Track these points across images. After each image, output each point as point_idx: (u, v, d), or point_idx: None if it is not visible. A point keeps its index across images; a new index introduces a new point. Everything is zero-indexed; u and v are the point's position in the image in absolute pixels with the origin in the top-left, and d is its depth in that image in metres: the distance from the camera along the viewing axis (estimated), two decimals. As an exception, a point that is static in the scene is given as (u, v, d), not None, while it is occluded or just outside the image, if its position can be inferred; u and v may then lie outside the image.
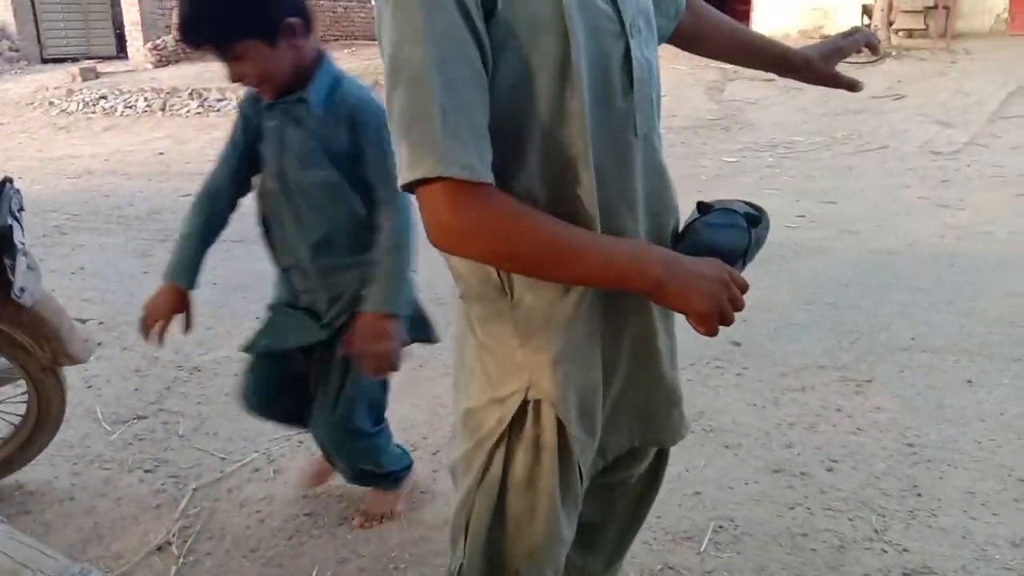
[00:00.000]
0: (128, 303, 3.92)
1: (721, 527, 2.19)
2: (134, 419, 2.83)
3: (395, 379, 2.47)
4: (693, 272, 1.01)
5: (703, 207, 1.18)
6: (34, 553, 1.06)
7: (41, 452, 2.41)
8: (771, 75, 1.54)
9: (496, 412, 1.15)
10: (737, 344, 3.29)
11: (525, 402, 1.13)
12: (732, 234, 1.11)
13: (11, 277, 2.02)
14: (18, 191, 2.12)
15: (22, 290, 2.04)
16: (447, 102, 0.91)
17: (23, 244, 2.08)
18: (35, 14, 16.59)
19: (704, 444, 2.59)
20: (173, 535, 2.18)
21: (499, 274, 1.10)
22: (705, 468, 2.46)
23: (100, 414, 2.86)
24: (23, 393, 2.31)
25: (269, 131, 1.85)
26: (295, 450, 2.64)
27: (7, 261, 2.01)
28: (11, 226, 2.00)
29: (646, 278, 1.00)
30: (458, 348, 1.23)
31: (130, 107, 11.38)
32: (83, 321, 3.41)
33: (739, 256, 1.10)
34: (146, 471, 2.51)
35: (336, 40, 17.04)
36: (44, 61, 16.40)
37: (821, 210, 5.66)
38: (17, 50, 16.26)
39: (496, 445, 1.16)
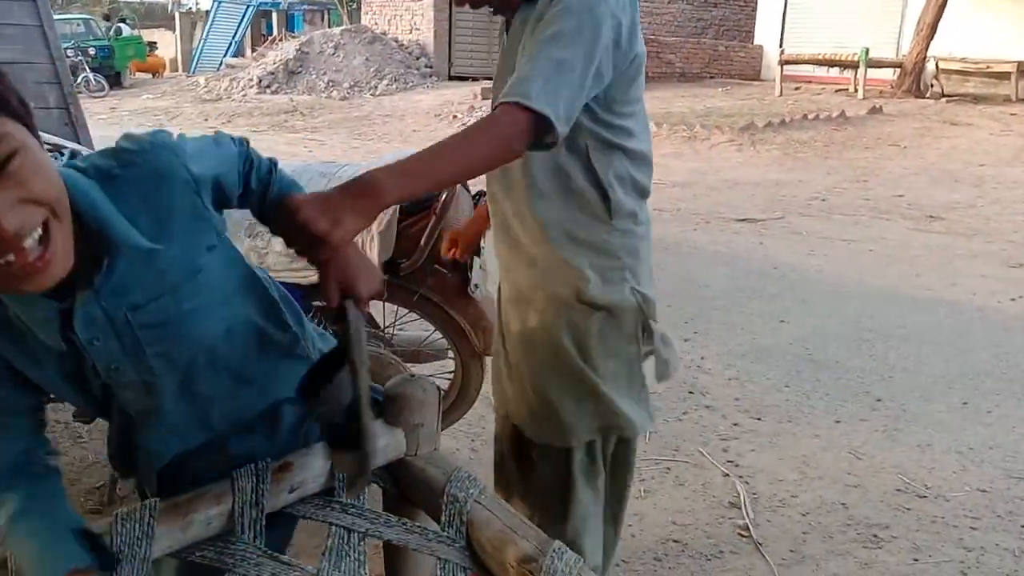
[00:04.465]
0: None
1: None
2: (522, 413, 3.13)
3: (763, 431, 2.48)
4: None
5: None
6: (516, 520, 1.25)
7: (451, 425, 2.77)
8: None
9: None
10: None
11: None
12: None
13: (469, 274, 2.37)
14: (486, 203, 2.46)
15: (475, 286, 2.38)
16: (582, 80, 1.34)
17: (483, 247, 2.42)
18: (450, 38, 18.88)
19: None
20: (555, 527, 2.39)
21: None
22: None
23: (494, 402, 3.20)
24: (450, 372, 2.68)
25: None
26: (663, 475, 2.76)
27: (471, 260, 2.35)
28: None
29: None
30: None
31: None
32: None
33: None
34: (532, 462, 2.77)
35: (712, 78, 17.23)
36: (451, 78, 18.57)
37: None
38: (431, 67, 18.58)
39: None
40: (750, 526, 2.48)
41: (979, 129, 11.12)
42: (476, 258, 2.40)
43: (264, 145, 10.76)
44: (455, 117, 13.64)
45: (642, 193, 1.64)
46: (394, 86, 16.91)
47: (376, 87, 16.81)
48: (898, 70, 13.76)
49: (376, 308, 2.64)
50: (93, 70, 18.07)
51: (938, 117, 11.75)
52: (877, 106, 12.02)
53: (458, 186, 2.22)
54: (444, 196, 2.18)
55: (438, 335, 2.59)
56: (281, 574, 1.14)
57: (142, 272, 1.04)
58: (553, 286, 1.65)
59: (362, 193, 1.13)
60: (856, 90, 13.42)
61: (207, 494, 1.18)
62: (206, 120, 12.78)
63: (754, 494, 2.66)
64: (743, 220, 6.80)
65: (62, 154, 2.18)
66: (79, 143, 3.50)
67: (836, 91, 14.05)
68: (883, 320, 4.40)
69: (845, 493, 2.69)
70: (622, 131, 1.56)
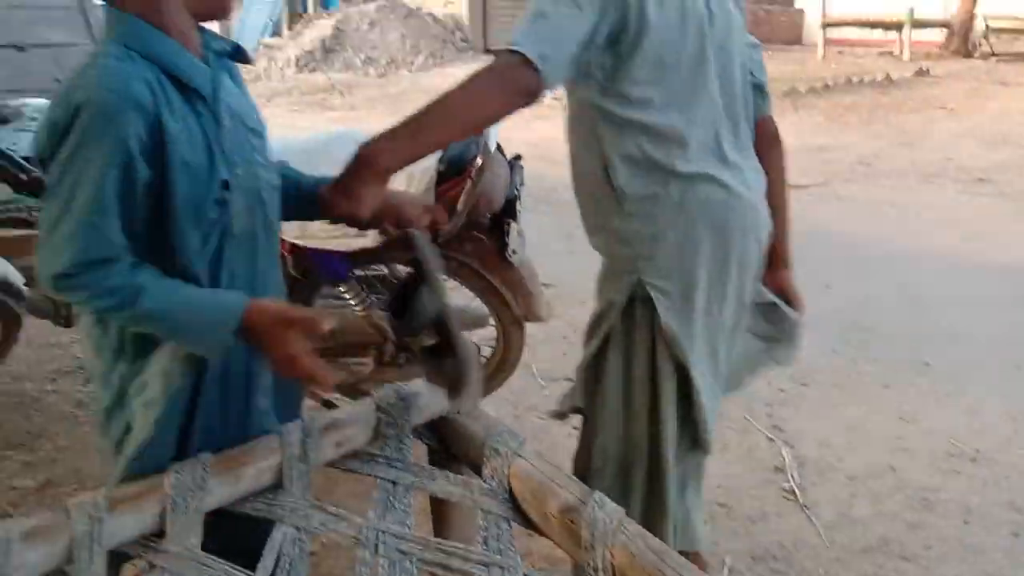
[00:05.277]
0: (555, 277, 4.33)
1: None
2: (564, 379, 3.14)
3: (809, 397, 2.45)
4: None
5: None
6: (557, 472, 1.25)
7: (492, 392, 2.78)
8: None
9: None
10: None
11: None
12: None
13: (507, 240, 2.37)
14: (522, 167, 2.46)
15: (513, 252, 2.38)
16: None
17: (519, 211, 2.41)
18: (484, 10, 18.73)
19: None
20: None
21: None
22: None
23: (535, 370, 3.23)
24: (492, 338, 2.69)
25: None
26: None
27: (507, 225, 2.35)
28: (516, 196, 2.34)
29: None
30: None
31: (556, 99, 12.38)
32: (546, 286, 3.82)
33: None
34: (574, 427, 2.77)
35: (753, 45, 16.85)
36: (487, 51, 18.44)
37: None
38: (466, 41, 18.48)
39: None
40: (796, 489, 2.47)
41: (1031, 89, 10.76)
42: (513, 223, 2.40)
43: (304, 124, 10.80)
44: (492, 91, 13.56)
45: (668, 172, 1.47)
46: (430, 61, 16.87)
47: (412, 63, 16.79)
48: (945, 30, 13.36)
49: (417, 276, 2.65)
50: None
51: (987, 77, 11.39)
52: (924, 68, 11.69)
53: (494, 149, 2.21)
54: (480, 161, 2.18)
55: (478, 302, 2.60)
56: (330, 524, 1.16)
57: (232, 81, 1.25)
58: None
59: (361, 167, 1.26)
60: (901, 52, 13.06)
61: (257, 448, 1.21)
62: (246, 101, 12.90)
63: (800, 458, 2.64)
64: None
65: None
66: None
67: (880, 54, 13.69)
68: (932, 285, 4.31)
69: (893, 457, 2.65)
70: (638, 103, 1.44)
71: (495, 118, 1.38)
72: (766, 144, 1.70)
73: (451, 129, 1.35)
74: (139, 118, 1.07)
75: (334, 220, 1.34)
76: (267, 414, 1.33)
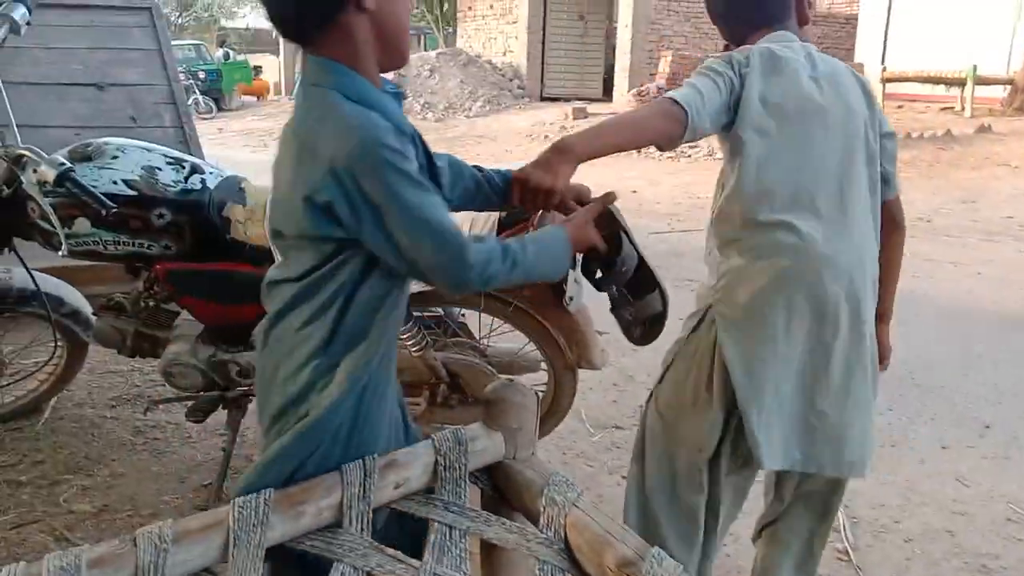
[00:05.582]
0: (608, 324, 4.32)
1: None
2: (613, 427, 3.13)
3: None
4: None
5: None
6: (614, 525, 1.25)
7: (542, 437, 2.78)
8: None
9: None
10: None
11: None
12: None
13: (564, 286, 2.39)
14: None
15: (570, 299, 2.40)
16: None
17: (577, 260, 2.43)
18: (543, 59, 19.04)
19: None
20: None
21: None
22: None
23: (584, 416, 3.22)
24: (542, 383, 2.69)
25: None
26: (759, 497, 2.70)
27: (566, 272, 2.37)
28: (575, 244, 2.37)
29: None
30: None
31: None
32: (601, 333, 3.83)
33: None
34: (623, 477, 2.76)
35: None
36: (543, 99, 18.71)
37: None
38: (523, 88, 18.78)
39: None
40: (850, 550, 2.41)
41: (1098, 148, 10.50)
42: (571, 271, 2.42)
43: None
44: (547, 137, 13.71)
45: (751, 223, 1.69)
46: (487, 108, 17.15)
47: (470, 109, 17.09)
48: (1008, 87, 13.15)
49: (471, 319, 2.69)
50: (203, 93, 19.00)
51: (1054, 135, 11.16)
52: (986, 124, 11.51)
53: None
54: (540, 210, 2.21)
55: (532, 347, 2.62)
56: (387, 566, 1.18)
57: None
58: None
59: (560, 151, 1.52)
60: (963, 108, 12.87)
61: (318, 486, 1.24)
62: (306, 140, 13.21)
63: (854, 518, 2.59)
64: (841, 240, 6.59)
65: (183, 167, 2.31)
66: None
67: (941, 109, 13.52)
68: (992, 344, 4.21)
69: (951, 520, 2.58)
70: (741, 149, 1.69)
71: (653, 134, 1.65)
72: (888, 225, 1.91)
73: (624, 136, 1.62)
74: (406, 142, 1.20)
75: (514, 205, 1.55)
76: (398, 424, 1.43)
